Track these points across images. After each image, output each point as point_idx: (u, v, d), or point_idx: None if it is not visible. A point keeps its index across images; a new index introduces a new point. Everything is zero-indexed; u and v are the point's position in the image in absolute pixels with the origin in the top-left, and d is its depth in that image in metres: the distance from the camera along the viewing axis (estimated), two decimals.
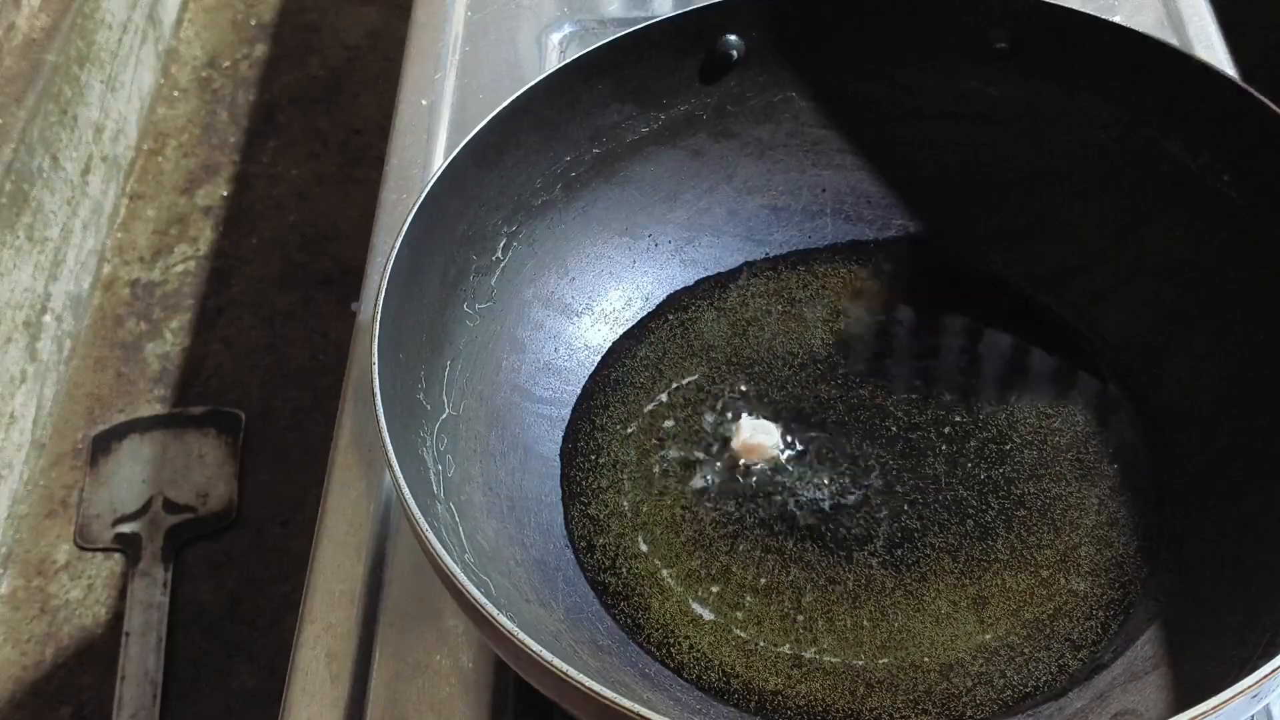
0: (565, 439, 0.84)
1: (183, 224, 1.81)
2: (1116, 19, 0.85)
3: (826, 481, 0.80)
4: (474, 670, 0.74)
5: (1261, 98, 0.77)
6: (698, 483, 0.81)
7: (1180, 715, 0.54)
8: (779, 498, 0.80)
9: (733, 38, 0.87)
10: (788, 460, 0.81)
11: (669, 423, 0.84)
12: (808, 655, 0.73)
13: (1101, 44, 0.83)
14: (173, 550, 1.42)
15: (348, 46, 2.06)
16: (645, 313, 0.91)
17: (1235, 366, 0.79)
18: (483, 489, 0.76)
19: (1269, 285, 0.78)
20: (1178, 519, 0.77)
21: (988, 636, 0.73)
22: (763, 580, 0.76)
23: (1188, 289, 0.83)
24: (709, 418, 0.84)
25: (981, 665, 0.72)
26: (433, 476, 0.71)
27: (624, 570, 0.77)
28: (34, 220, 1.52)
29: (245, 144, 1.91)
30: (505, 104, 0.80)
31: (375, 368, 0.66)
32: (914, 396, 0.85)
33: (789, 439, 0.82)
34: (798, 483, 0.80)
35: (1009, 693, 0.71)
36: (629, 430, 0.84)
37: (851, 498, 0.79)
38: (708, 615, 0.75)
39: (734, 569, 0.76)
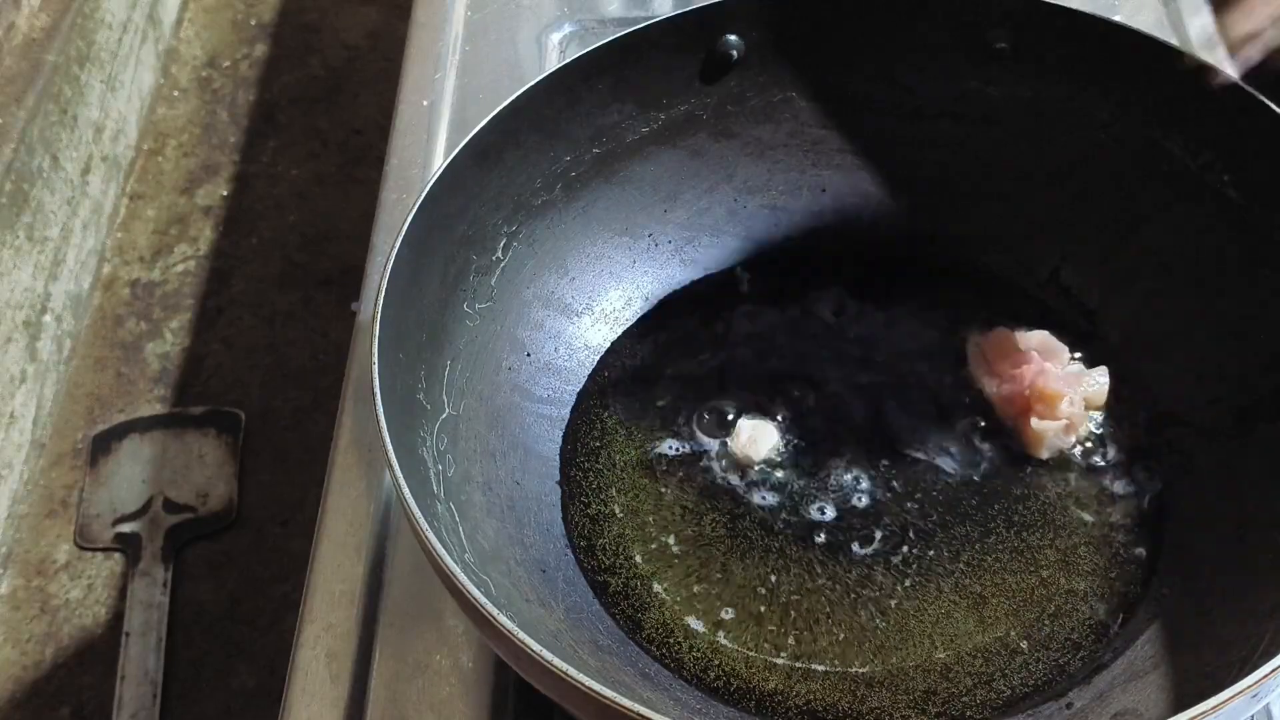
0: (565, 439, 0.84)
1: (183, 224, 1.81)
2: (1116, 19, 0.85)
3: (826, 482, 0.80)
4: (474, 670, 0.74)
5: (1261, 98, 0.77)
6: (697, 483, 0.81)
7: (1180, 715, 0.54)
8: (779, 499, 0.80)
9: (733, 38, 0.87)
10: (787, 461, 0.81)
11: (669, 423, 0.84)
12: (807, 655, 0.73)
13: (1101, 44, 0.83)
14: (173, 550, 1.42)
15: (348, 46, 2.06)
16: (645, 312, 0.91)
17: (1236, 366, 0.79)
18: (483, 489, 0.76)
19: (1269, 284, 0.78)
20: (1178, 519, 0.77)
21: (988, 637, 0.73)
22: (763, 580, 0.76)
23: (1189, 288, 0.83)
24: (709, 418, 0.84)
25: (981, 665, 0.72)
26: (433, 476, 0.71)
27: (624, 570, 0.77)
28: (34, 220, 1.52)
29: (245, 144, 1.91)
30: (505, 104, 0.80)
31: (375, 367, 0.66)
32: (915, 396, 0.85)
33: (789, 440, 0.82)
34: (798, 484, 0.80)
35: (1009, 693, 0.71)
36: (629, 430, 0.84)
37: (852, 499, 0.79)
38: (708, 615, 0.75)
39: (734, 569, 0.77)
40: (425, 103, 1.08)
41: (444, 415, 0.76)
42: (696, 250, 0.93)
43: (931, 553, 0.77)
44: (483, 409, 0.80)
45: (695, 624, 0.74)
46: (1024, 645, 0.73)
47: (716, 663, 0.73)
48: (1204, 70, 0.79)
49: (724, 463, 0.82)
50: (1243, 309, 0.79)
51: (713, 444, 0.83)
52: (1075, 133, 0.86)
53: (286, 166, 1.88)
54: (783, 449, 0.82)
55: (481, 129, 0.79)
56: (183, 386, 1.60)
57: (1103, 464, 0.80)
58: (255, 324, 1.67)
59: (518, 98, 0.80)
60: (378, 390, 0.65)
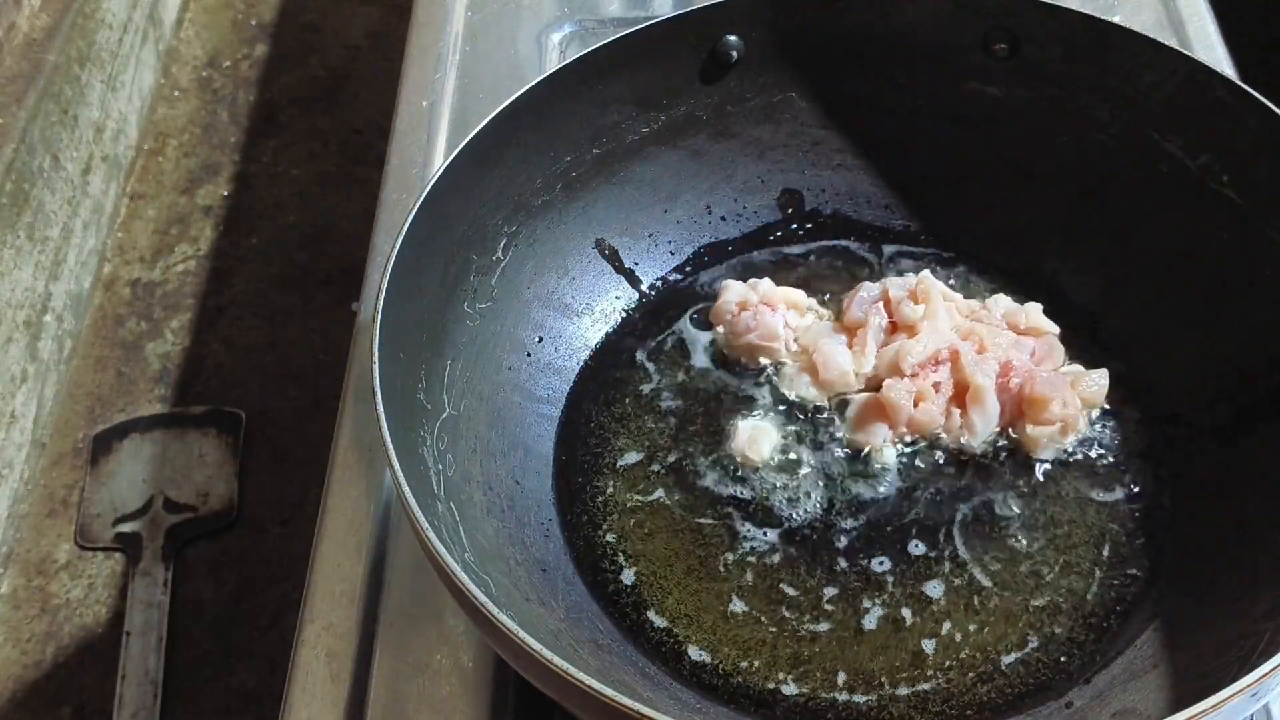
0: (565, 439, 0.84)
1: (183, 224, 1.81)
2: (1116, 19, 0.86)
3: (826, 483, 0.80)
4: (474, 669, 0.74)
5: (1261, 98, 0.77)
6: (697, 483, 0.81)
7: (1180, 714, 0.54)
8: (778, 499, 0.80)
9: (733, 38, 0.87)
10: (787, 462, 0.82)
11: (669, 423, 0.84)
12: (806, 654, 0.73)
13: (1101, 44, 0.83)
14: (173, 550, 1.42)
15: (348, 46, 2.06)
16: (646, 313, 0.91)
17: (1236, 366, 0.79)
18: (483, 488, 0.76)
19: (1269, 284, 0.78)
20: (1178, 519, 0.77)
21: (988, 636, 0.73)
22: (762, 580, 0.76)
23: (1189, 288, 0.83)
24: (709, 419, 0.84)
25: (981, 665, 0.72)
26: (433, 476, 0.71)
27: (623, 570, 0.77)
28: (35, 220, 1.52)
29: (245, 144, 1.91)
30: (505, 104, 0.80)
31: (376, 367, 0.66)
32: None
33: (789, 441, 0.83)
34: (797, 484, 0.80)
35: (1009, 692, 0.71)
36: (629, 430, 0.84)
37: (851, 498, 0.79)
38: (707, 614, 0.75)
39: (733, 569, 0.77)
40: (425, 103, 1.08)
41: (444, 415, 0.76)
42: (697, 250, 0.93)
43: (931, 553, 0.77)
44: (483, 409, 0.80)
45: (694, 623, 0.74)
46: (1024, 645, 0.73)
47: (715, 662, 0.73)
48: (1204, 71, 0.79)
49: (724, 463, 0.82)
50: (1243, 309, 0.80)
51: (713, 444, 0.83)
52: (1075, 133, 0.86)
53: (287, 166, 1.88)
54: (783, 450, 0.82)
55: (481, 129, 0.79)
56: (183, 386, 1.60)
57: (1102, 464, 0.80)
58: (255, 324, 1.68)
59: (518, 98, 0.80)
60: (378, 390, 0.65)
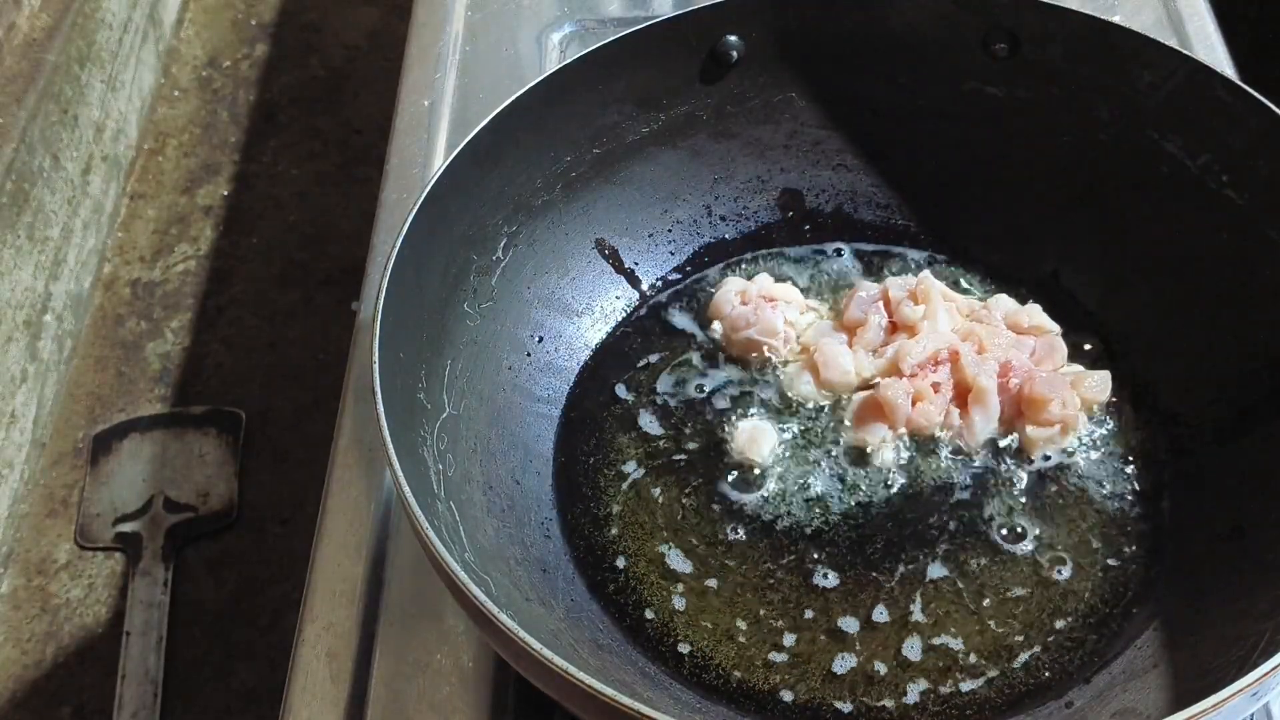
0: (565, 439, 0.84)
1: (183, 223, 1.81)
2: (1116, 19, 0.86)
3: (826, 483, 0.80)
4: (474, 669, 0.74)
5: (1261, 98, 0.77)
6: (696, 484, 0.81)
7: (1180, 713, 0.54)
8: (778, 499, 0.80)
9: (733, 38, 0.87)
10: (787, 462, 0.82)
11: (669, 423, 0.84)
12: (807, 654, 0.73)
13: (1101, 44, 0.83)
14: (173, 549, 1.42)
15: (348, 46, 2.07)
16: (646, 313, 0.91)
17: (1236, 366, 0.79)
18: (483, 488, 0.76)
19: (1269, 284, 0.78)
20: (1178, 519, 0.77)
21: (988, 636, 0.73)
22: (762, 580, 0.76)
23: (1189, 289, 0.83)
24: (709, 419, 0.84)
25: (981, 665, 0.72)
26: (433, 475, 0.71)
27: (623, 569, 0.77)
28: (35, 220, 1.52)
29: (245, 144, 1.91)
30: (505, 104, 0.80)
31: (376, 367, 0.66)
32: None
33: (788, 440, 0.83)
34: (797, 484, 0.80)
35: (1009, 692, 0.71)
36: (629, 430, 0.84)
37: (851, 500, 0.79)
38: (707, 614, 0.75)
39: (733, 569, 0.77)
40: (425, 103, 1.08)
41: (444, 415, 0.76)
42: (697, 250, 0.93)
43: (931, 553, 0.77)
44: (483, 408, 0.80)
45: (694, 623, 0.74)
46: (1024, 645, 0.73)
47: (715, 661, 0.73)
48: (1204, 70, 0.79)
49: (723, 463, 0.82)
50: (1242, 309, 0.80)
51: (712, 444, 0.83)
52: (1075, 133, 0.86)
53: (287, 166, 1.88)
54: (782, 450, 0.82)
55: (482, 129, 0.79)
56: (183, 386, 1.60)
57: (1102, 464, 0.80)
58: (256, 323, 1.68)
59: (518, 98, 0.80)
60: (378, 390, 0.65)
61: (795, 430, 0.83)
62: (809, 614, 0.74)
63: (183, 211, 1.82)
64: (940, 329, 0.83)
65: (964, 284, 0.90)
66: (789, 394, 0.85)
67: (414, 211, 0.74)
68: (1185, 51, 0.81)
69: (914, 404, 0.80)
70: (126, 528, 1.44)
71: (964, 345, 0.82)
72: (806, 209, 0.94)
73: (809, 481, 0.80)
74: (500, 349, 0.83)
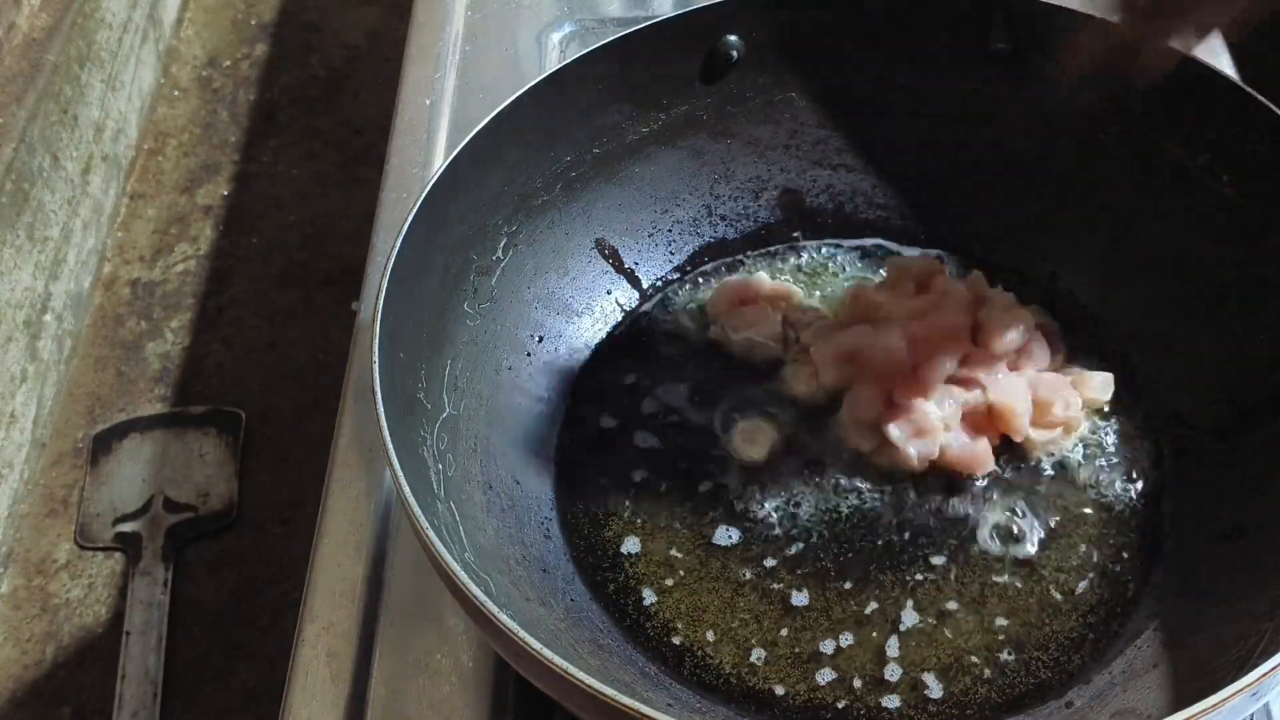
0: (565, 438, 0.84)
1: (183, 223, 1.81)
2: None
3: (826, 483, 0.80)
4: (474, 669, 0.74)
5: (1261, 98, 0.77)
6: (696, 483, 0.81)
7: (1180, 714, 0.54)
8: (778, 499, 0.80)
9: (733, 38, 0.87)
10: (787, 461, 0.81)
11: (668, 422, 0.84)
12: (806, 654, 0.73)
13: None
14: (173, 549, 1.42)
15: (348, 46, 2.06)
16: (646, 312, 0.91)
17: (1236, 366, 0.79)
18: (483, 488, 0.76)
19: (1269, 284, 0.78)
20: (1178, 519, 0.77)
21: (988, 636, 0.73)
22: (762, 580, 0.76)
23: (1189, 288, 0.83)
24: (708, 418, 0.84)
25: (982, 665, 0.72)
26: (433, 475, 0.71)
27: (623, 570, 0.77)
28: (34, 219, 1.52)
29: (245, 143, 1.91)
30: (506, 103, 0.80)
31: (376, 366, 0.66)
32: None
33: (788, 440, 0.82)
34: (796, 484, 0.80)
35: (1009, 692, 0.71)
36: (629, 431, 0.84)
37: (850, 500, 0.79)
38: (707, 614, 0.75)
39: (734, 569, 0.77)
40: (425, 102, 1.08)
41: (444, 415, 0.76)
42: (697, 250, 0.93)
43: (931, 553, 0.77)
44: (483, 408, 0.80)
45: (694, 623, 0.74)
46: (1024, 645, 0.73)
47: (716, 661, 0.73)
48: (1204, 70, 0.79)
49: (723, 462, 0.82)
50: (1243, 309, 0.80)
51: (712, 444, 0.83)
52: (1075, 133, 0.86)
53: (287, 166, 1.88)
54: (782, 450, 0.82)
55: (482, 129, 0.79)
56: (183, 386, 1.60)
57: (1102, 464, 0.80)
58: (256, 323, 1.67)
59: (518, 97, 0.80)
60: (378, 390, 0.65)
61: (795, 430, 0.83)
62: (810, 613, 0.74)
63: (183, 211, 1.82)
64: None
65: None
66: (789, 394, 0.85)
67: (414, 211, 0.74)
68: (1185, 52, 0.81)
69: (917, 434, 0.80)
70: (126, 528, 1.44)
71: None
72: (807, 209, 0.94)
73: (809, 481, 0.80)
74: (500, 349, 0.83)
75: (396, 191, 1.01)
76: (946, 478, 0.80)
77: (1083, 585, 0.75)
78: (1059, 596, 0.74)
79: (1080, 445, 0.81)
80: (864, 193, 0.94)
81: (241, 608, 1.39)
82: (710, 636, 0.74)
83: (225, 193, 1.85)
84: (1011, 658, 0.72)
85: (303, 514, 1.45)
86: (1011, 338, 0.80)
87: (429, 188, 0.75)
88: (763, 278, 0.90)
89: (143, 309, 1.70)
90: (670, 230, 0.92)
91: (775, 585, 0.76)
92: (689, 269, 0.92)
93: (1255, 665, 0.56)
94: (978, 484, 0.80)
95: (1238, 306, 0.80)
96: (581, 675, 0.55)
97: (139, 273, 1.74)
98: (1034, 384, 0.80)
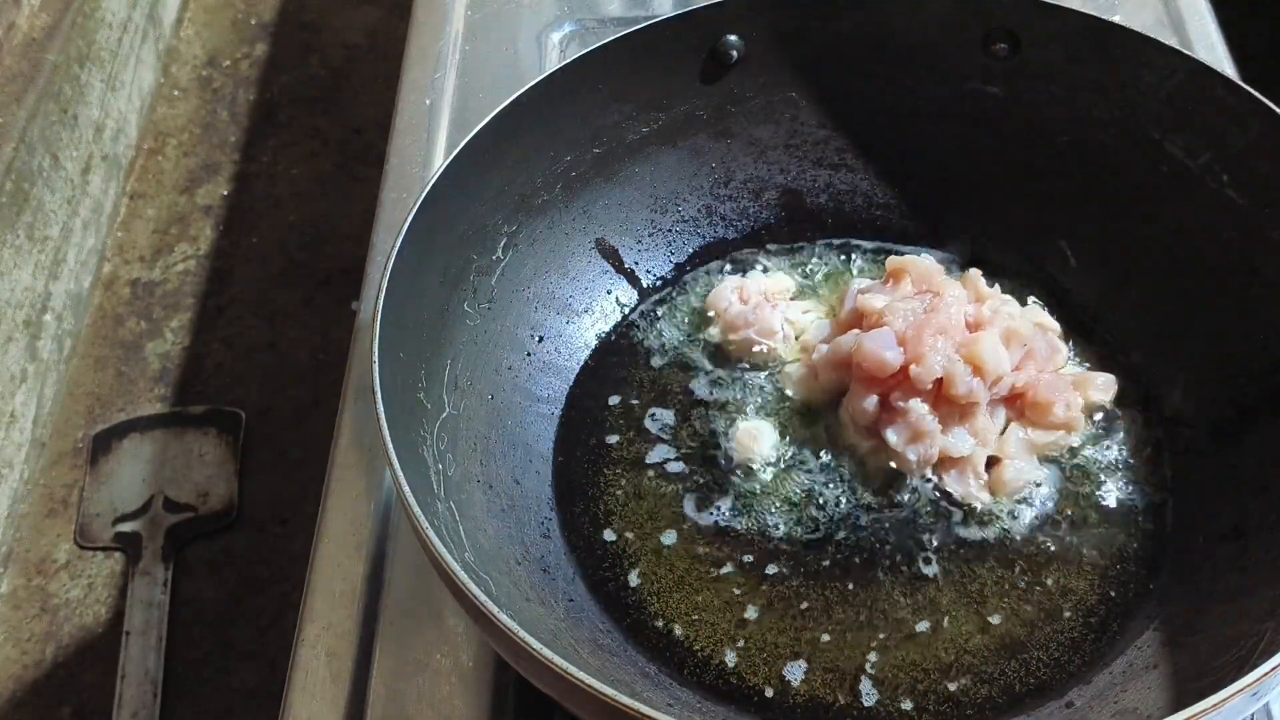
0: (565, 439, 0.84)
1: (183, 223, 1.81)
2: (1116, 19, 0.86)
3: (825, 483, 0.80)
4: (474, 669, 0.74)
5: (1261, 98, 0.77)
6: (696, 483, 0.81)
7: (1180, 714, 0.54)
8: (778, 499, 0.80)
9: (733, 38, 0.87)
10: (786, 462, 0.81)
11: (669, 424, 0.84)
12: (806, 654, 0.73)
13: (1101, 44, 0.83)
14: (173, 549, 1.42)
15: (348, 46, 2.07)
16: (646, 312, 0.91)
17: (1236, 366, 0.79)
18: (483, 488, 0.76)
19: (1269, 284, 0.78)
20: (1178, 519, 0.77)
21: (988, 637, 0.73)
22: (762, 580, 0.76)
23: (1189, 288, 0.83)
24: (708, 419, 0.84)
25: (982, 665, 0.72)
26: (433, 475, 0.71)
27: (623, 570, 0.77)
28: (34, 219, 1.52)
29: (245, 143, 1.91)
30: (505, 103, 0.80)
31: (376, 366, 0.66)
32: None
33: (788, 440, 0.82)
34: (795, 484, 0.80)
35: (1010, 692, 0.71)
36: (629, 431, 0.84)
37: (851, 499, 0.79)
38: (707, 614, 0.75)
39: (733, 569, 0.77)
40: (425, 102, 1.08)
41: (444, 414, 0.76)
42: (697, 250, 0.93)
43: (931, 554, 0.77)
44: (483, 408, 0.80)
45: (694, 623, 0.74)
46: (1024, 645, 0.73)
47: (716, 661, 0.73)
48: (1204, 70, 0.79)
49: (723, 463, 0.82)
50: (1243, 309, 0.80)
51: (712, 444, 0.83)
52: (1075, 133, 0.86)
53: (287, 166, 1.88)
54: (782, 450, 0.82)
55: (482, 129, 0.79)
56: (183, 386, 1.60)
57: (1103, 464, 0.80)
58: (255, 323, 1.68)
59: (518, 97, 0.80)
60: (378, 389, 0.65)
61: (795, 430, 0.83)
62: (810, 613, 0.74)
63: (182, 211, 1.82)
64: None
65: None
66: (789, 394, 0.85)
67: (414, 211, 0.74)
68: (1186, 51, 0.81)
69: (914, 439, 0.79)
70: (126, 527, 1.44)
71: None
72: (807, 209, 0.94)
73: (810, 482, 0.80)
74: (500, 349, 0.83)
75: (396, 191, 1.01)
76: (946, 480, 0.80)
77: (1083, 585, 0.75)
78: (1059, 597, 0.74)
79: (1080, 445, 0.81)
80: (864, 193, 0.94)
81: (241, 608, 1.39)
82: (711, 636, 0.74)
83: (225, 193, 1.85)
84: (1012, 658, 0.72)
85: (303, 514, 1.45)
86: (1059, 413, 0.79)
87: (429, 187, 0.75)
88: (762, 278, 0.90)
89: (143, 309, 1.70)
90: (670, 230, 0.92)
91: (776, 585, 0.76)
92: (689, 269, 0.92)
93: (1255, 665, 0.56)
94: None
95: (1238, 307, 0.80)
96: (581, 675, 0.55)
97: (139, 272, 1.74)
98: (1034, 384, 0.80)
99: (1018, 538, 0.77)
